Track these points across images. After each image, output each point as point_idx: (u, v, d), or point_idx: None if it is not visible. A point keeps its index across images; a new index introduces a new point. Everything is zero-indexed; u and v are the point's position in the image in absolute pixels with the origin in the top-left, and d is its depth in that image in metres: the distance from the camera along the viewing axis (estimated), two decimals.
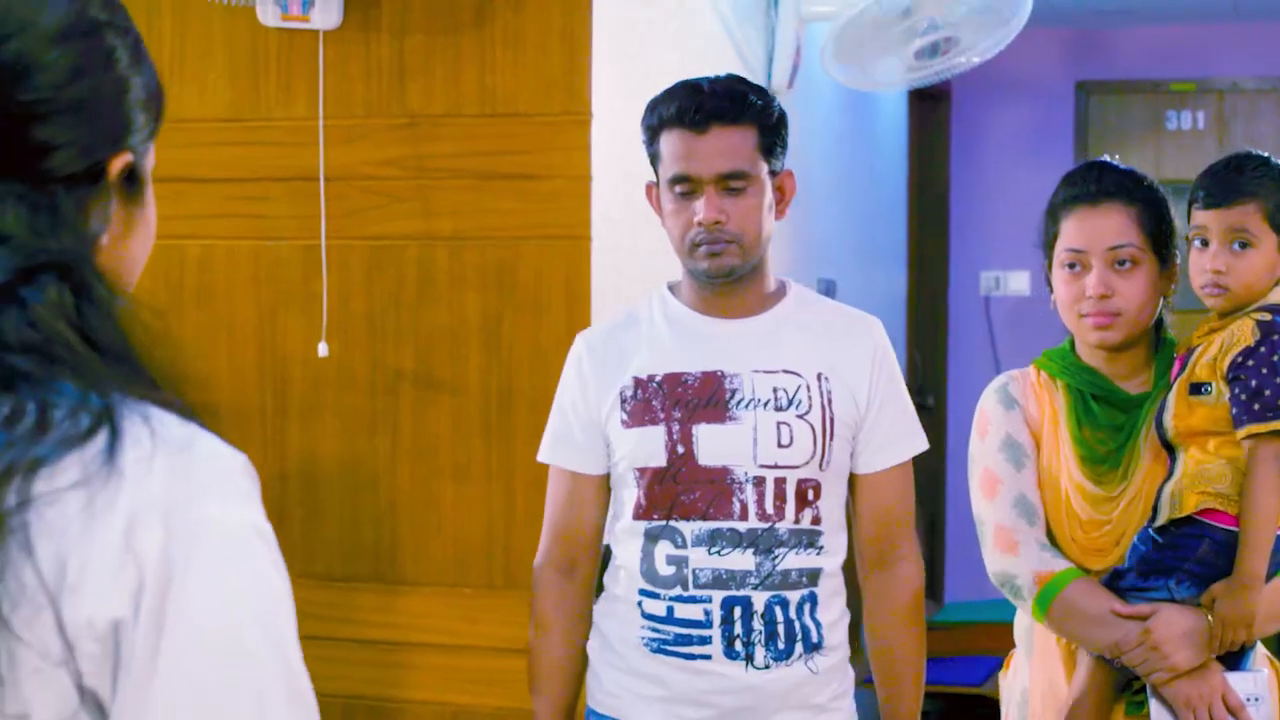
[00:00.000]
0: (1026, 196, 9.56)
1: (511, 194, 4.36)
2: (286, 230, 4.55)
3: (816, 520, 3.38)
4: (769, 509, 3.35)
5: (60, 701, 1.35)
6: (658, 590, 3.40)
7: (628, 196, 4.50)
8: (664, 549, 3.39)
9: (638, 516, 3.42)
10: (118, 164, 1.55)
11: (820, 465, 3.38)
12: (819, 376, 3.40)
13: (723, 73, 3.50)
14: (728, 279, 3.40)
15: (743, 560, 3.34)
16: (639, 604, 3.43)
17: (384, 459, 4.49)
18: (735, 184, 3.34)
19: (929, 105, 9.36)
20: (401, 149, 4.45)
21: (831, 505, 3.42)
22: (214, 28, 4.59)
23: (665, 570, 3.39)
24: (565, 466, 3.55)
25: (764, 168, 3.38)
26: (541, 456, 3.59)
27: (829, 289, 6.65)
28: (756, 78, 5.59)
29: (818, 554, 3.39)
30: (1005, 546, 3.41)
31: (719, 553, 3.35)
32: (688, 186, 3.37)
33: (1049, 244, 3.51)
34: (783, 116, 3.44)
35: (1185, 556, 3.27)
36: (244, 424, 4.56)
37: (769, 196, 3.40)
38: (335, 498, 4.52)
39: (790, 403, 3.37)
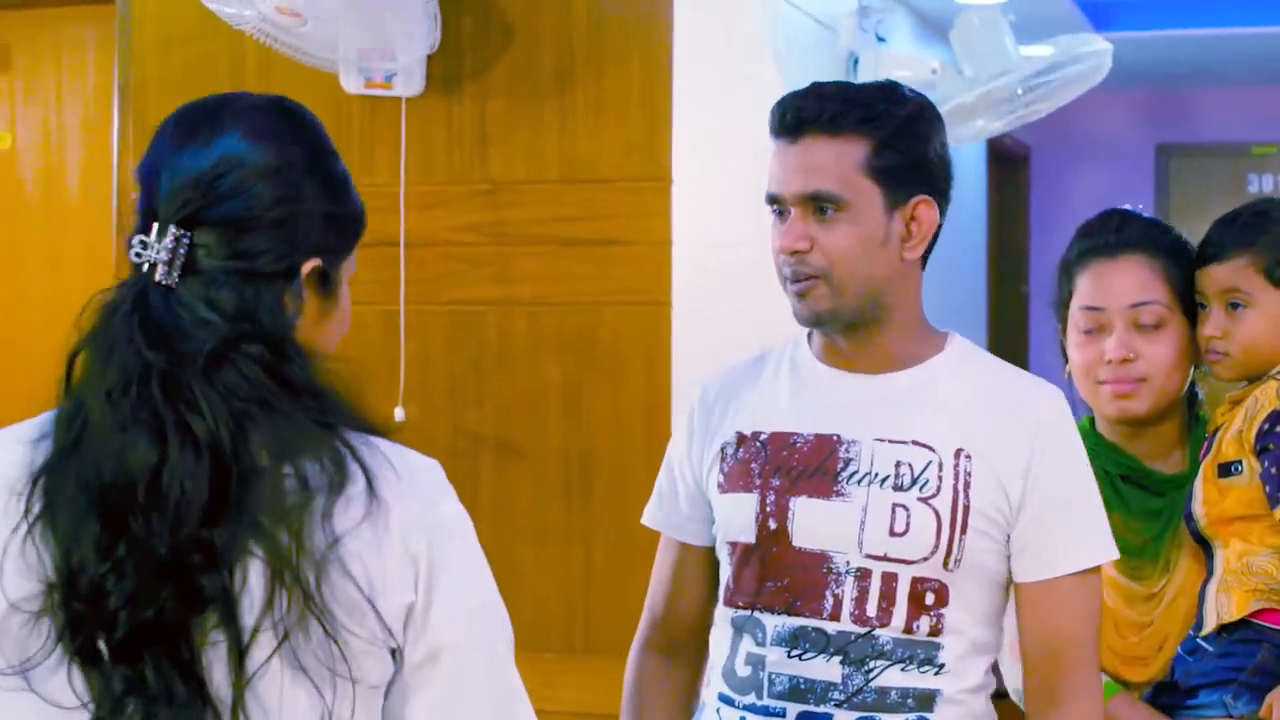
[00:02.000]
0: None
1: (592, 259, 4.38)
2: (366, 295, 4.57)
3: (936, 631, 2.68)
4: (870, 610, 2.67)
5: (382, 666, 1.93)
6: (734, 696, 2.78)
7: (708, 262, 4.50)
8: (746, 645, 2.77)
9: (726, 602, 2.81)
10: (308, 267, 2.02)
11: (946, 563, 2.67)
12: (957, 454, 2.69)
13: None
14: (823, 327, 2.75)
15: (827, 669, 2.69)
16: (718, 711, 2.82)
17: None
18: (824, 207, 2.67)
19: (1009, 168, 9.34)
20: (482, 215, 4.48)
21: (965, 617, 2.70)
22: (297, 95, 4.59)
23: (743, 671, 2.77)
24: (667, 533, 2.96)
25: (874, 193, 2.68)
26: (644, 519, 3.01)
27: None
28: None
29: (936, 673, 2.68)
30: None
31: (800, 656, 2.70)
32: (777, 207, 2.73)
33: (1062, 304, 3.11)
34: (916, 128, 2.73)
35: (1241, 666, 2.80)
36: None
37: (880, 228, 2.69)
38: None
39: (914, 482, 2.69)
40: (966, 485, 2.67)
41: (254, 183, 1.99)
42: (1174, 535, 2.97)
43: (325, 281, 2.06)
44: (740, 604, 2.77)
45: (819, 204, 2.67)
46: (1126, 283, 3.01)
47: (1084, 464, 2.75)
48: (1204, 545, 2.91)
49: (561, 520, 4.41)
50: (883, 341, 2.76)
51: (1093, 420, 3.09)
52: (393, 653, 1.94)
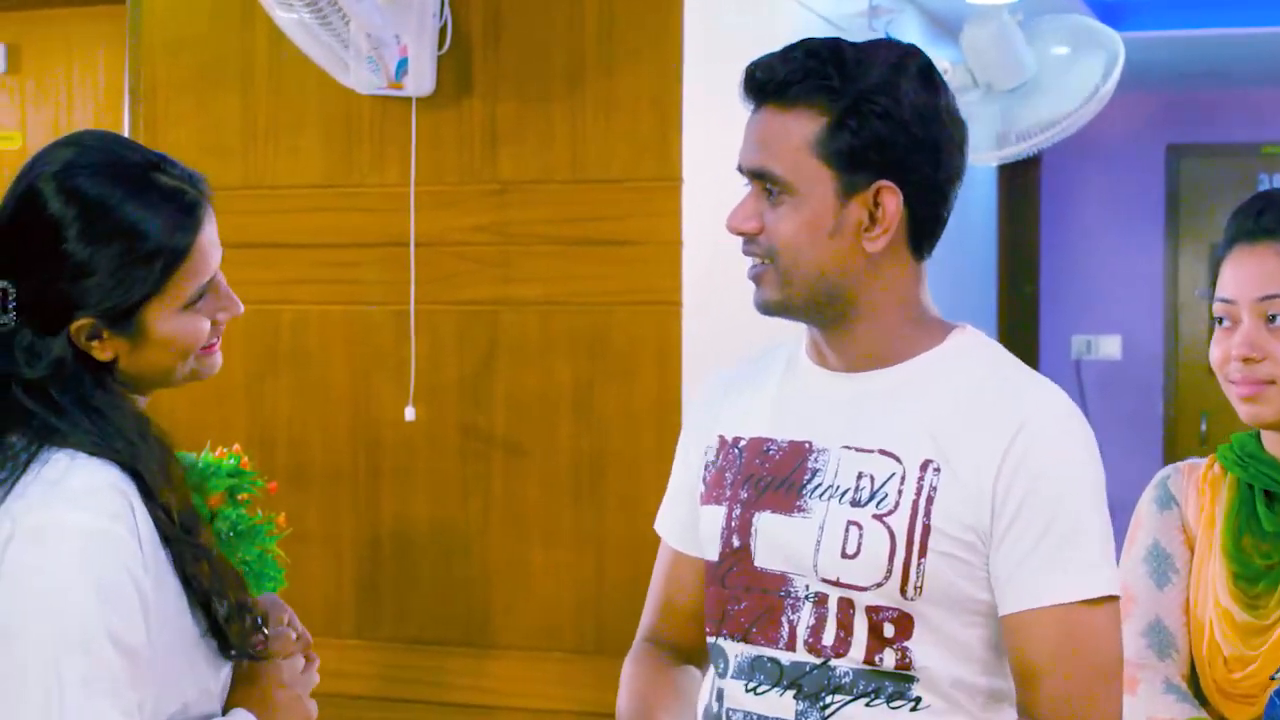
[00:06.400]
0: (1117, 260, 9.60)
1: (602, 259, 4.38)
2: (378, 295, 4.58)
3: (905, 664, 2.32)
4: (825, 639, 2.34)
5: None
6: None
7: (719, 261, 4.50)
8: (713, 678, 2.50)
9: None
10: (75, 327, 2.25)
11: (904, 590, 2.31)
12: (924, 465, 2.33)
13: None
14: (776, 316, 2.45)
15: (780, 705, 2.38)
16: None
17: (475, 523, 4.50)
18: (770, 188, 2.36)
19: (1019, 169, 9.33)
20: (492, 215, 4.48)
21: (938, 653, 2.34)
22: (308, 95, 4.63)
23: (713, 707, 2.49)
24: (665, 538, 2.66)
25: (825, 176, 2.34)
26: (655, 523, 2.72)
27: None
28: None
29: (911, 709, 2.33)
30: (1124, 683, 2.41)
31: (755, 690, 2.40)
32: (744, 181, 2.43)
33: (1211, 295, 2.70)
34: (880, 101, 2.33)
35: None
36: (336, 487, 4.59)
37: (829, 217, 2.35)
38: (426, 562, 4.54)
39: (872, 497, 2.34)
40: (929, 501, 2.31)
41: (14, 253, 2.26)
42: None
43: (124, 324, 2.27)
44: (709, 629, 2.49)
45: (765, 183, 2.37)
46: (1259, 272, 2.62)
47: (1078, 478, 2.33)
48: None
49: (572, 520, 4.41)
50: (856, 337, 2.42)
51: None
52: None
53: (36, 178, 2.25)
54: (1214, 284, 2.68)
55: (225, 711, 2.36)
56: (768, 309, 2.43)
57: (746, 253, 2.42)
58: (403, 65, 4.37)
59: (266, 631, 2.44)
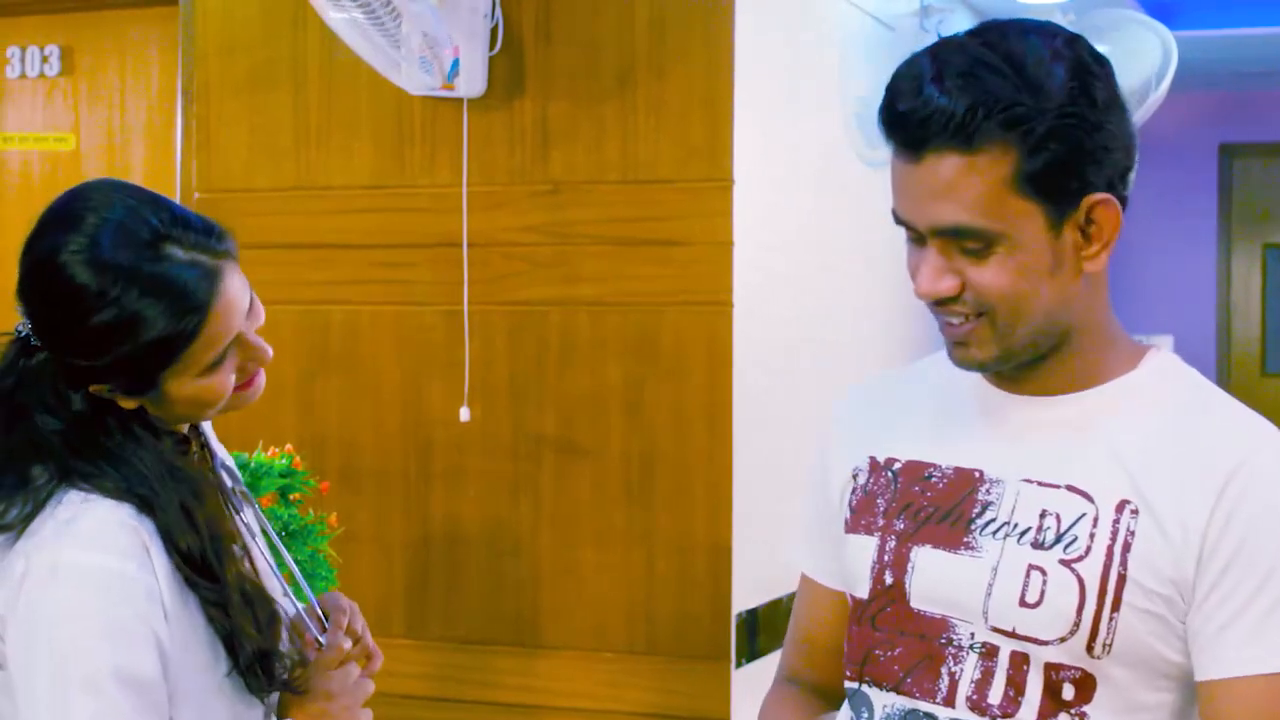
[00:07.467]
0: (1169, 260, 9.56)
1: (653, 260, 4.37)
2: (430, 296, 4.59)
3: None
4: (991, 697, 2.09)
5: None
6: None
7: (769, 262, 4.50)
8: None
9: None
10: (94, 390, 2.28)
11: (1090, 647, 2.05)
12: (1121, 506, 2.06)
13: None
14: (988, 372, 2.19)
15: None
16: None
17: (525, 523, 4.50)
18: (968, 245, 2.05)
19: None
20: (544, 215, 4.48)
21: (1120, 719, 2.08)
22: (360, 96, 4.64)
23: None
24: (805, 570, 2.45)
25: (1032, 211, 2.03)
26: (789, 551, 2.54)
27: None
28: None
29: None
30: None
31: None
32: (911, 233, 2.12)
33: None
34: (1076, 106, 2.02)
35: None
36: (387, 488, 4.59)
37: (1046, 252, 2.05)
38: (477, 561, 4.54)
39: (1058, 539, 2.07)
40: (1126, 548, 2.04)
41: (34, 320, 2.30)
42: None
43: (140, 395, 2.29)
44: (849, 674, 2.25)
45: (961, 239, 2.06)
46: None
47: None
48: None
49: (623, 521, 4.41)
50: (1054, 363, 2.16)
51: None
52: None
53: (58, 250, 2.23)
54: None
55: None
56: (982, 367, 2.16)
57: (945, 312, 2.12)
58: (455, 66, 4.38)
59: (322, 640, 2.44)
